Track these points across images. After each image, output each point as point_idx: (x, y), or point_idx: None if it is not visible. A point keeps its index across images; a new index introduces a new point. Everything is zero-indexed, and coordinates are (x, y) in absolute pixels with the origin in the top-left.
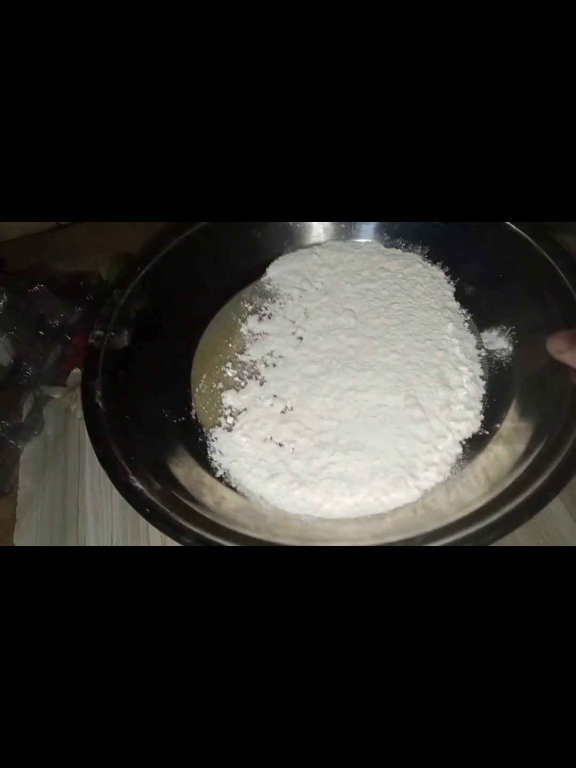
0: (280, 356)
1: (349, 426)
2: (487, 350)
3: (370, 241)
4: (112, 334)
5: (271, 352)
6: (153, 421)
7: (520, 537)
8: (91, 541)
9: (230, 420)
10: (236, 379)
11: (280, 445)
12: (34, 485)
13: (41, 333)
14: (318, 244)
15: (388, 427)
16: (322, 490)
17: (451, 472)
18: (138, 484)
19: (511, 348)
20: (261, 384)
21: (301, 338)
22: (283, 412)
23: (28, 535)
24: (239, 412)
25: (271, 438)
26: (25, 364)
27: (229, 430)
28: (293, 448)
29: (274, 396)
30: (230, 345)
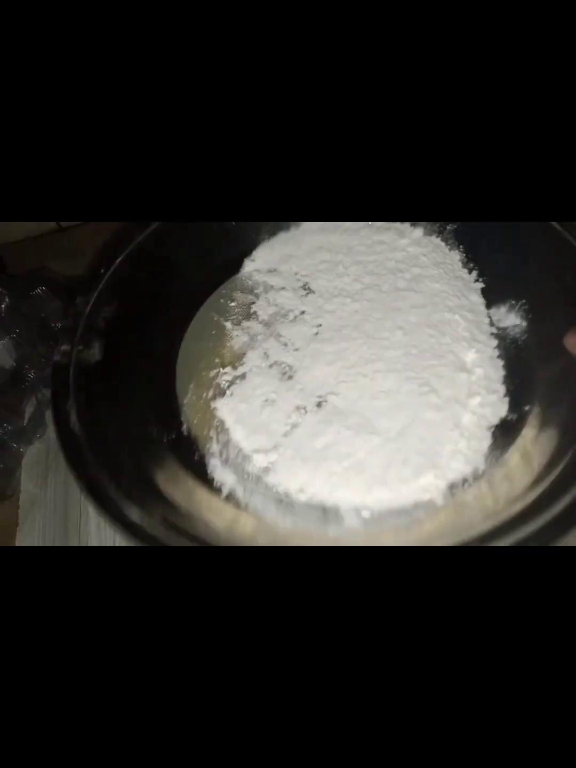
0: (281, 348)
1: (363, 410)
2: (498, 327)
3: None
4: (81, 347)
5: (266, 352)
6: (140, 442)
7: None
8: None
9: (226, 431)
10: (232, 379)
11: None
12: (37, 489)
13: (43, 336)
14: (299, 226)
15: (402, 412)
16: (335, 484)
17: (482, 463)
18: (135, 519)
19: (524, 323)
20: (257, 385)
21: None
22: (298, 410)
23: (30, 539)
24: (237, 420)
25: (284, 436)
26: (27, 367)
27: (226, 446)
28: (308, 435)
29: (277, 391)
30: (216, 347)
